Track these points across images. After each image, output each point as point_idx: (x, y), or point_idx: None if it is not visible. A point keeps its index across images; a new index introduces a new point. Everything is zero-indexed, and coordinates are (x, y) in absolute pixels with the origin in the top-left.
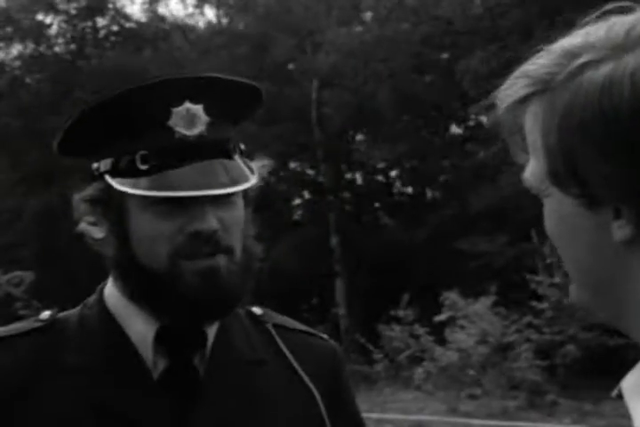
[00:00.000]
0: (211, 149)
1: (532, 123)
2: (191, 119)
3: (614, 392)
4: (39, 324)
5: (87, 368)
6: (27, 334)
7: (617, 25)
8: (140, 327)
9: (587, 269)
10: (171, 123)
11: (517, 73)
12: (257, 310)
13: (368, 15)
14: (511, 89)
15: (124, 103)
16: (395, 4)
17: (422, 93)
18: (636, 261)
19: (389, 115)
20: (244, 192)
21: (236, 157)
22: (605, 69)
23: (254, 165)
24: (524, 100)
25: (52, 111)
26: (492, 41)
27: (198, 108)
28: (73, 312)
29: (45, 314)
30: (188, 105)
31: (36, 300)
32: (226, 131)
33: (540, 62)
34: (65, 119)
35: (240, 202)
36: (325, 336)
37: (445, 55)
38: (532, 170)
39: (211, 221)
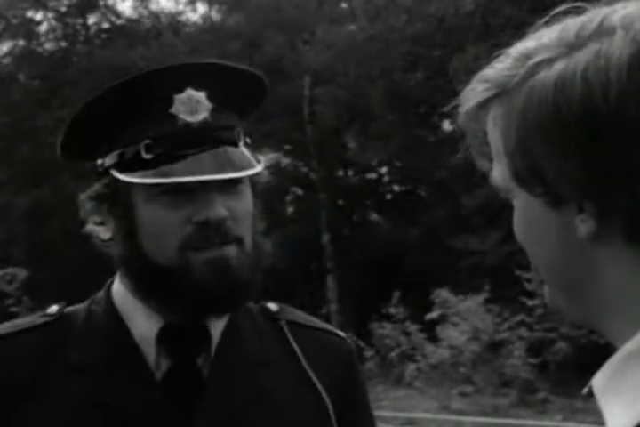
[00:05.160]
0: (215, 135)
1: (493, 126)
2: (194, 106)
3: (585, 390)
4: (46, 319)
5: (90, 367)
6: (32, 329)
7: (569, 25)
8: (143, 326)
9: (556, 270)
10: (173, 110)
11: (477, 78)
12: (272, 306)
13: (359, 12)
14: (471, 94)
15: (125, 93)
16: (386, 1)
17: (414, 91)
18: (602, 256)
19: (381, 112)
20: (252, 184)
21: (241, 144)
22: (557, 68)
23: (262, 157)
24: (483, 105)
25: (42, 108)
26: (485, 38)
27: (201, 95)
28: (80, 307)
29: (53, 309)
30: (190, 92)
31: (27, 297)
32: (230, 118)
33: (497, 66)
34: (54, 119)
35: (248, 192)
36: (342, 334)
37: (437, 52)
38: (497, 173)
39: (219, 209)
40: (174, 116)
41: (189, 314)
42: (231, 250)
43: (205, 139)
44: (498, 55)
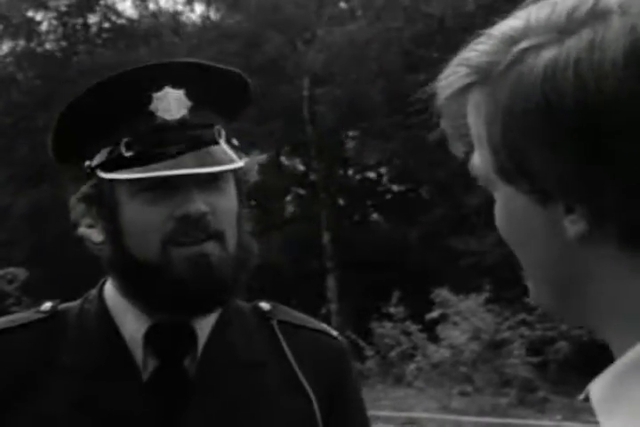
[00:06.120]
0: (194, 133)
1: (475, 114)
2: (172, 104)
3: (581, 396)
4: (40, 315)
5: (80, 367)
6: (28, 325)
7: (559, 6)
8: (131, 326)
9: (543, 269)
10: (152, 107)
11: (457, 60)
12: (265, 305)
13: (359, 13)
14: (451, 78)
15: (104, 92)
16: (386, 1)
17: (414, 91)
18: (592, 258)
19: (381, 112)
20: (236, 182)
21: (222, 141)
22: (547, 55)
23: (248, 159)
24: (464, 91)
25: (42, 108)
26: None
27: (180, 93)
28: (74, 304)
29: (47, 305)
30: (168, 90)
31: (28, 297)
32: (209, 116)
33: (479, 49)
34: (54, 119)
35: (231, 189)
36: (335, 333)
37: (437, 53)
38: (478, 163)
39: (199, 204)
40: (152, 114)
41: (173, 312)
42: (210, 246)
43: (184, 136)
44: (479, 36)
